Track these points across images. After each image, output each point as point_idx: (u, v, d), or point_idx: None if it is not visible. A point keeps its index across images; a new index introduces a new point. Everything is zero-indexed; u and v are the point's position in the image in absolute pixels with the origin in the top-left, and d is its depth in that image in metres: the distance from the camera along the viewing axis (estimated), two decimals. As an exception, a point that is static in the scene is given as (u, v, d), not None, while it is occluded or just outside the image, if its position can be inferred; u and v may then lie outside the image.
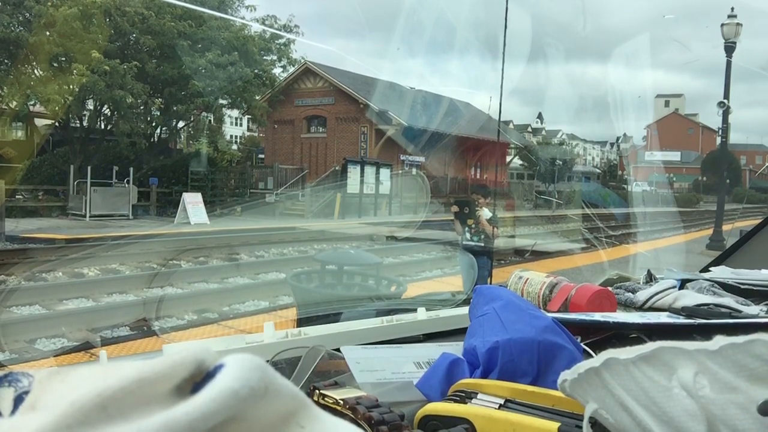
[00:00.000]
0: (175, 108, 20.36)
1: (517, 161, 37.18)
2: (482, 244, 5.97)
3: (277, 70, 23.86)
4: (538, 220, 21.94)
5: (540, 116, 67.55)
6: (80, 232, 13.50)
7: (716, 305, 1.23)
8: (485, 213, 6.04)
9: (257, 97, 22.54)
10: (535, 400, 0.69)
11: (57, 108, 17.37)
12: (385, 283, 3.47)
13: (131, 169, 18.89)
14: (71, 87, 17.22)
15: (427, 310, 1.26)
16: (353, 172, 21.09)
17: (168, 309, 6.88)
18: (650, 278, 1.50)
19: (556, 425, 0.61)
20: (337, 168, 23.15)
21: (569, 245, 13.41)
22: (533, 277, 1.35)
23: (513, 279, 1.37)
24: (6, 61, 17.85)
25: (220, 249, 11.23)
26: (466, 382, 0.76)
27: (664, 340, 0.48)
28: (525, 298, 1.25)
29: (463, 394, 0.73)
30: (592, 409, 0.52)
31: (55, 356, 5.13)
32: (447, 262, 9.95)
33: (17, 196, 17.78)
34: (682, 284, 1.45)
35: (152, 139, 21.65)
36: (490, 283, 2.39)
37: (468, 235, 6.03)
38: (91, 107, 19.62)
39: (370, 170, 21.54)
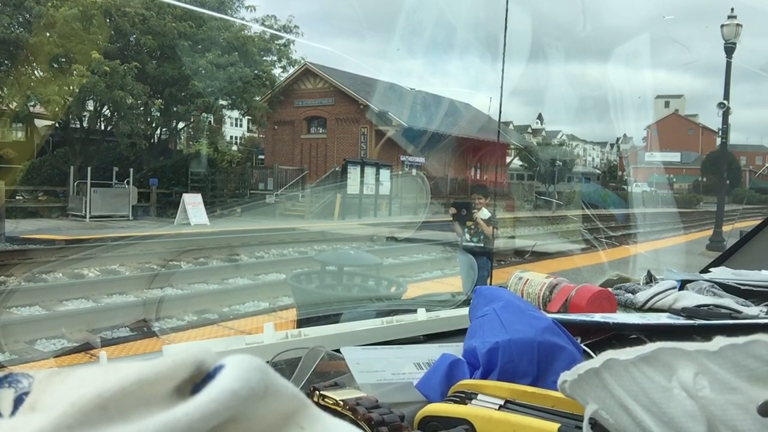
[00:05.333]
0: (175, 109, 20.37)
1: (517, 162, 37.20)
2: (482, 245, 5.95)
3: (276, 71, 23.90)
4: (538, 221, 21.94)
5: (540, 117, 67.58)
6: (80, 232, 13.50)
7: (716, 306, 1.23)
8: (484, 213, 6.02)
9: (257, 98, 22.55)
10: (535, 400, 0.69)
11: (57, 109, 17.37)
12: (385, 283, 3.47)
13: (131, 170, 18.90)
14: (71, 88, 17.22)
15: (427, 311, 1.26)
16: (353, 172, 21.09)
17: (168, 310, 6.87)
18: (650, 279, 1.50)
19: (556, 426, 0.61)
20: (337, 169, 23.15)
21: (569, 246, 13.41)
22: (533, 278, 1.35)
23: (513, 280, 1.38)
24: (6, 61, 17.86)
25: (220, 250, 11.23)
26: (466, 382, 0.76)
27: (664, 340, 0.48)
28: (525, 299, 1.25)
29: (463, 395, 0.73)
30: (592, 410, 0.52)
31: (55, 357, 5.13)
32: (447, 262, 9.95)
33: (17, 197, 17.80)
34: (682, 285, 1.45)
35: (152, 140, 21.66)
36: (490, 284, 2.39)
37: (467, 236, 6.02)
38: (91, 108, 19.63)
39: (370, 171, 21.54)
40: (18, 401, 0.33)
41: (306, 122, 27.01)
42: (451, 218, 6.27)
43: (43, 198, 18.71)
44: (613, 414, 0.51)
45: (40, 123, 20.24)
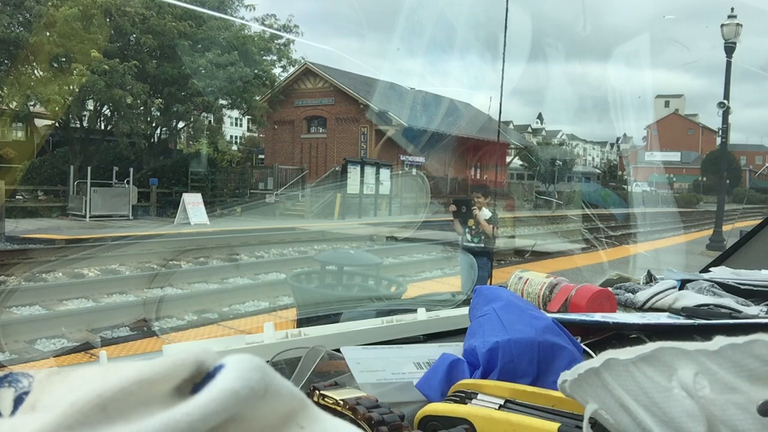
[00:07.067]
0: (175, 108, 20.37)
1: (517, 162, 37.19)
2: (482, 245, 5.93)
3: (276, 71, 23.90)
4: (538, 221, 21.94)
5: (540, 117, 67.61)
6: (80, 232, 13.50)
7: (716, 306, 1.23)
8: (484, 213, 6.00)
9: (257, 98, 22.55)
10: (535, 400, 0.69)
11: (57, 108, 17.38)
12: (385, 283, 3.47)
13: (131, 170, 18.90)
14: (71, 87, 17.22)
15: (428, 310, 1.26)
16: (353, 172, 21.10)
17: (168, 309, 6.88)
18: (650, 279, 1.50)
19: (556, 426, 0.61)
20: (337, 168, 23.16)
21: (569, 246, 13.41)
22: (533, 278, 1.35)
23: (513, 279, 1.37)
24: (6, 61, 17.86)
25: (220, 249, 11.23)
26: (466, 382, 0.76)
27: (664, 340, 0.48)
28: (525, 299, 1.25)
29: (463, 395, 0.73)
30: (592, 410, 0.52)
31: (55, 357, 5.13)
32: (447, 262, 9.95)
33: (17, 197, 17.79)
34: (682, 285, 1.45)
35: (152, 140, 21.66)
36: (490, 284, 2.39)
37: (468, 237, 6.00)
38: (91, 107, 19.63)
39: (370, 170, 21.54)
40: (18, 401, 0.33)
41: (306, 122, 27.01)
42: (451, 216, 6.25)
43: (43, 197, 18.71)
44: (613, 414, 0.51)
45: (40, 123, 20.23)
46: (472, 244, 5.92)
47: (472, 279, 5.79)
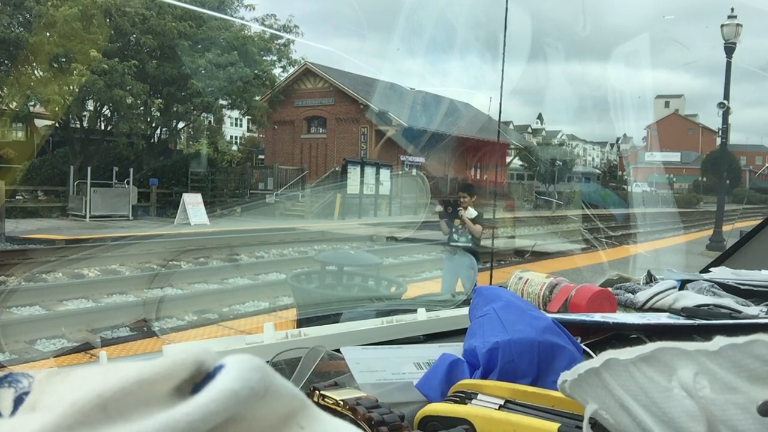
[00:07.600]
0: (175, 108, 20.37)
1: (517, 162, 37.18)
2: (469, 245, 5.89)
3: (276, 71, 23.90)
4: (538, 221, 21.94)
5: (540, 117, 67.63)
6: (80, 232, 13.50)
7: (716, 306, 1.23)
8: (470, 212, 5.93)
9: (257, 98, 22.55)
10: (535, 400, 0.69)
11: (57, 108, 17.38)
12: (385, 283, 3.47)
13: (131, 170, 18.90)
14: (71, 87, 17.23)
15: (428, 310, 1.26)
16: (353, 172, 21.09)
17: (168, 310, 6.88)
18: (650, 279, 1.50)
19: (556, 426, 0.61)
20: (337, 168, 23.16)
21: (569, 246, 13.41)
22: (533, 278, 1.35)
23: (513, 280, 1.37)
24: (6, 61, 17.86)
25: (220, 250, 11.23)
26: (466, 382, 0.76)
27: (664, 340, 0.48)
28: (525, 299, 1.25)
29: (463, 395, 0.73)
30: (592, 410, 0.52)
31: (55, 357, 5.13)
32: (447, 262, 9.93)
33: (17, 197, 17.79)
34: (682, 285, 1.45)
35: (152, 140, 21.66)
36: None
37: (455, 236, 5.97)
38: (91, 108, 19.63)
39: (370, 171, 21.54)
40: (18, 401, 0.33)
41: (306, 122, 27.01)
42: (437, 217, 6.23)
43: (43, 198, 18.71)
44: (613, 414, 0.51)
45: (40, 123, 20.23)
46: (459, 244, 5.90)
47: (455, 279, 5.77)
